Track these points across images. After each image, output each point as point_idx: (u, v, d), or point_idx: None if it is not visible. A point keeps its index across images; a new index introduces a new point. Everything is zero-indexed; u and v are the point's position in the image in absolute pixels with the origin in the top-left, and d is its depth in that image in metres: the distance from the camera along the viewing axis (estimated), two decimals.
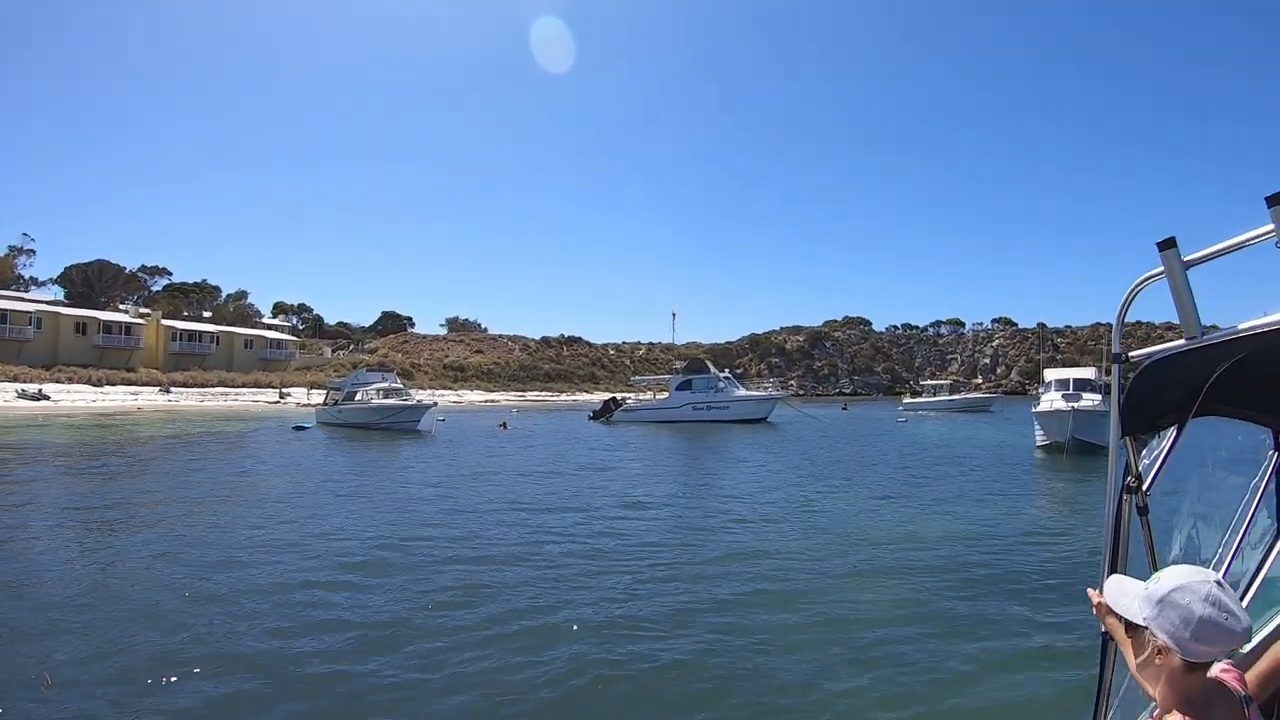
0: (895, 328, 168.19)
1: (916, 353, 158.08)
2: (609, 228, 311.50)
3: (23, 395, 59.47)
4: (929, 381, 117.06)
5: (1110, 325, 3.26)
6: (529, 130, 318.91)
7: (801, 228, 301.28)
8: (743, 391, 67.12)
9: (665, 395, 66.82)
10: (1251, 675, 3.74)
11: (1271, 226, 2.73)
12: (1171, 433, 3.88)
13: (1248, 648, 4.31)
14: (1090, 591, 2.83)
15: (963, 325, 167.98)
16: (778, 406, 67.40)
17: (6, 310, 79.75)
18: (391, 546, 14.96)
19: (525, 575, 12.88)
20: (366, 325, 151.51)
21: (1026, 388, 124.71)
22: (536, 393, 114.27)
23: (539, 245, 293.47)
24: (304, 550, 14.54)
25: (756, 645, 9.83)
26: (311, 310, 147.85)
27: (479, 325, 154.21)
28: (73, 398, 62.71)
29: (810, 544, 15.96)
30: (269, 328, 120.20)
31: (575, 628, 10.25)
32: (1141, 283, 3.27)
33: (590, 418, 64.78)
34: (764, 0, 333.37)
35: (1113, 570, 3.59)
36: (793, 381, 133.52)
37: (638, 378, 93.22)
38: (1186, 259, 3.05)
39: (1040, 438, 37.85)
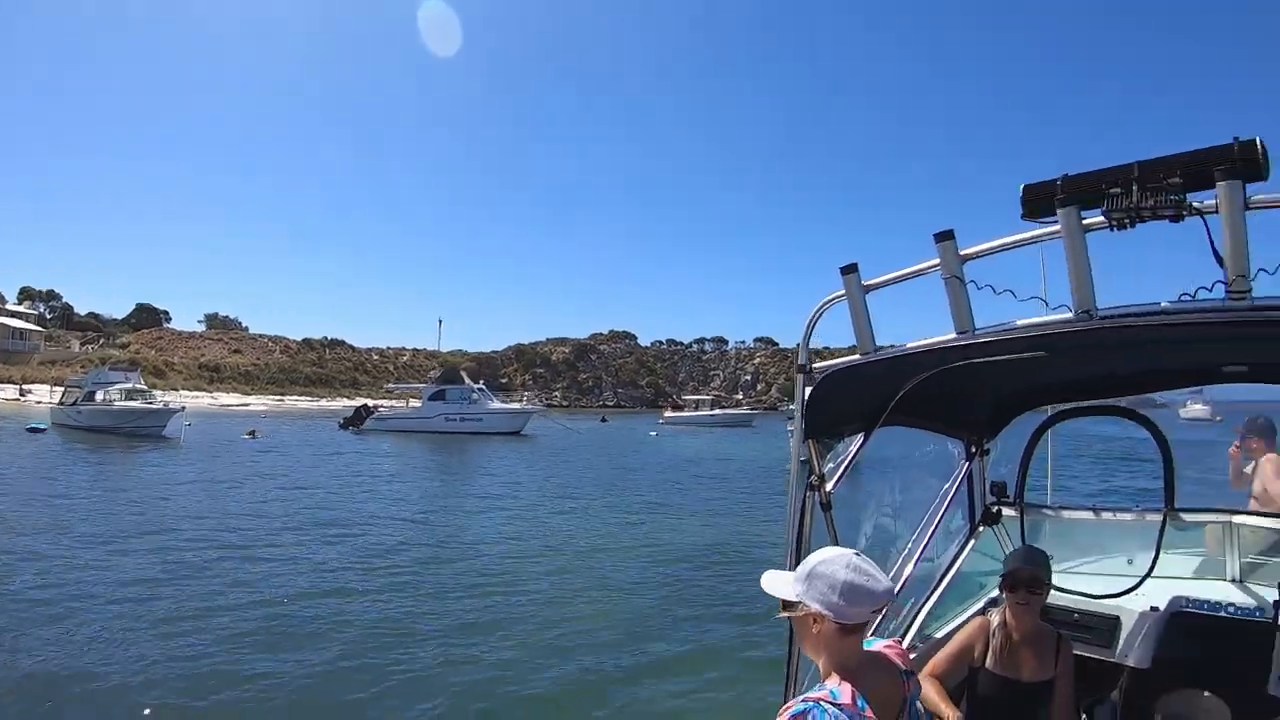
0: (660, 343, 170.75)
1: (680, 368, 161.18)
2: (377, 227, 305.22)
3: None
4: (690, 396, 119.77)
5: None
6: (296, 120, 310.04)
7: (574, 238, 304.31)
8: (497, 404, 67.83)
9: (419, 404, 66.89)
10: (941, 657, 4.46)
11: (938, 260, 3.14)
12: (858, 438, 4.35)
13: (942, 632, 5.16)
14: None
15: (726, 343, 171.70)
16: (534, 419, 68.30)
17: None
18: (97, 567, 14.56)
19: (241, 598, 12.82)
20: (120, 318, 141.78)
21: (784, 404, 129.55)
22: (296, 397, 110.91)
23: (304, 243, 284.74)
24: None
25: (483, 657, 10.54)
26: (60, 298, 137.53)
27: (239, 323, 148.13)
28: None
29: (538, 558, 16.92)
30: (12, 315, 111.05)
31: (295, 653, 10.39)
32: (827, 302, 3.56)
33: (341, 425, 64.08)
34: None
35: (798, 562, 3.61)
36: (557, 393, 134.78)
37: (391, 385, 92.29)
38: (865, 283, 3.43)
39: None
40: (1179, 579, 5.61)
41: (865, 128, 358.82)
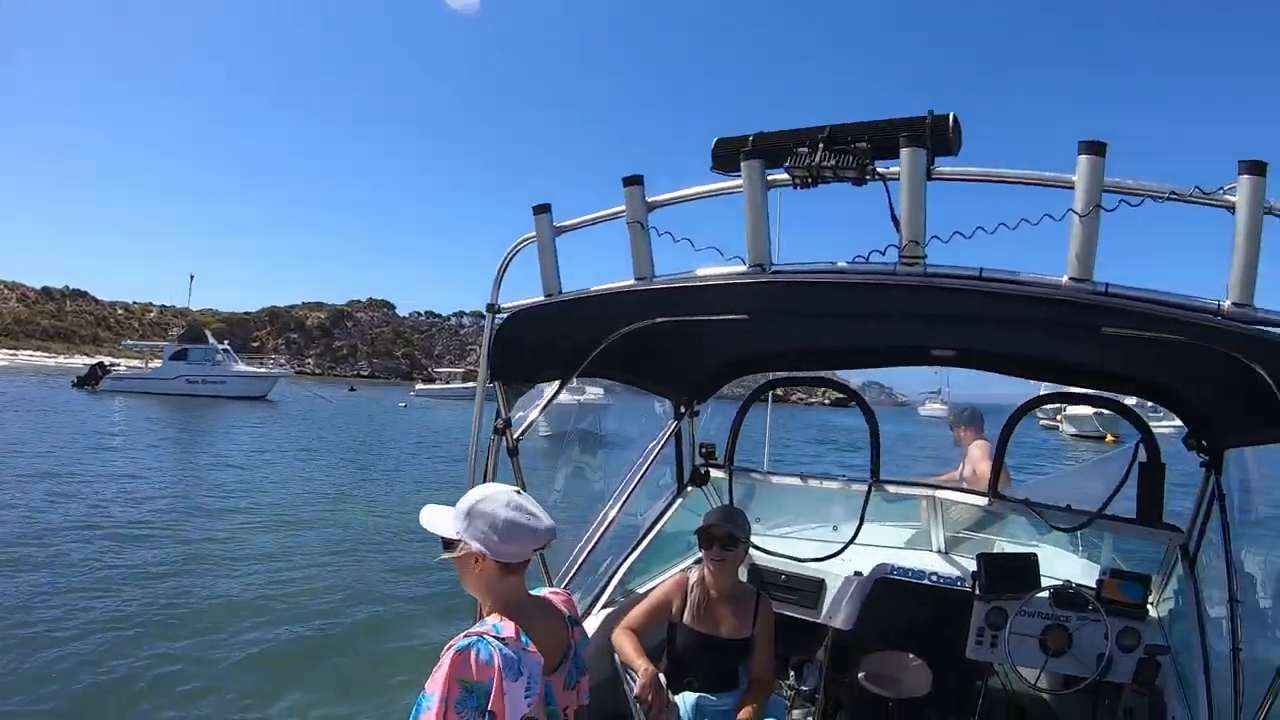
0: (419, 314, 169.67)
1: (438, 340, 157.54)
2: (127, 164, 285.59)
3: None
4: (444, 369, 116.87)
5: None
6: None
7: (334, 203, 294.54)
8: (241, 366, 65.99)
9: (159, 364, 63.76)
10: (639, 611, 4.47)
11: (624, 206, 3.14)
12: (553, 386, 4.45)
13: (645, 588, 5.24)
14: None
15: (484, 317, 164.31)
16: (280, 385, 66.85)
17: None
18: None
19: None
20: None
21: None
22: (31, 352, 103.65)
23: (44, 177, 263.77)
24: None
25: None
26: None
27: None
28: None
29: (258, 527, 16.51)
30: None
31: None
32: (521, 242, 3.52)
33: (75, 384, 60.43)
34: None
35: None
36: (310, 359, 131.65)
37: (130, 343, 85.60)
38: (556, 225, 3.40)
39: (544, 428, 37.28)
40: (891, 548, 5.90)
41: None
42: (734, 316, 3.91)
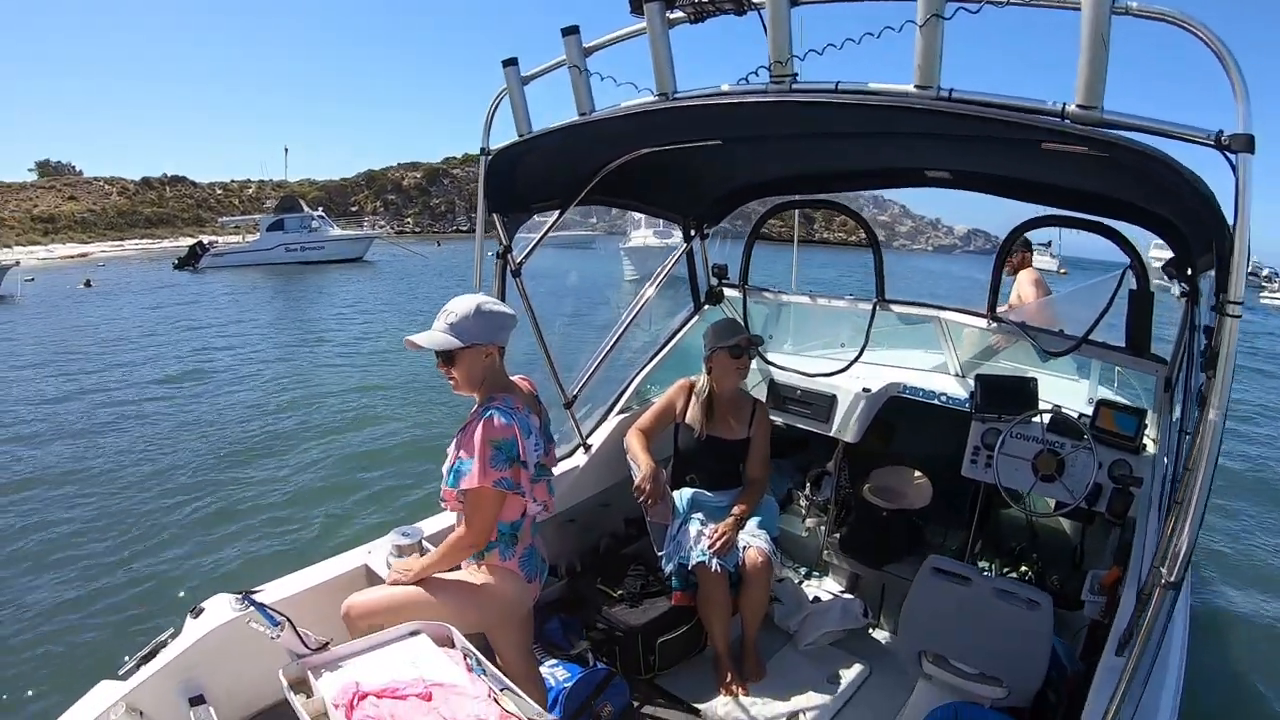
0: None
1: None
2: (213, 51, 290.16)
3: None
4: (541, 218, 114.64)
5: None
6: None
7: (426, 54, 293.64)
8: (337, 231, 66.35)
9: (256, 237, 64.28)
10: (648, 413, 5.04)
11: (563, 55, 3.43)
12: (553, 215, 4.77)
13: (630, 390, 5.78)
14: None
15: None
16: (375, 245, 67.48)
17: None
18: None
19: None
20: None
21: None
22: (136, 240, 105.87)
23: (139, 75, 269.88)
24: None
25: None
26: None
27: (73, 168, 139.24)
28: None
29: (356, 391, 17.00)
30: None
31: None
32: (499, 94, 3.82)
33: (176, 266, 60.70)
34: None
35: None
36: (409, 219, 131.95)
37: (226, 219, 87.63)
38: (524, 75, 3.73)
39: (629, 272, 38.61)
40: (912, 370, 6.24)
41: None
42: (705, 142, 4.12)
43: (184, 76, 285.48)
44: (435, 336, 3.35)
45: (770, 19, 2.74)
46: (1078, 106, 2.32)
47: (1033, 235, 6.45)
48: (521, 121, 3.80)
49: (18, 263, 49.08)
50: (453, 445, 3.46)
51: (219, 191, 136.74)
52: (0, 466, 12.10)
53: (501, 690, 2.69)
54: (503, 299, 4.31)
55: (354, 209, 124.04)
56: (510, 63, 3.72)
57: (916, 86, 2.54)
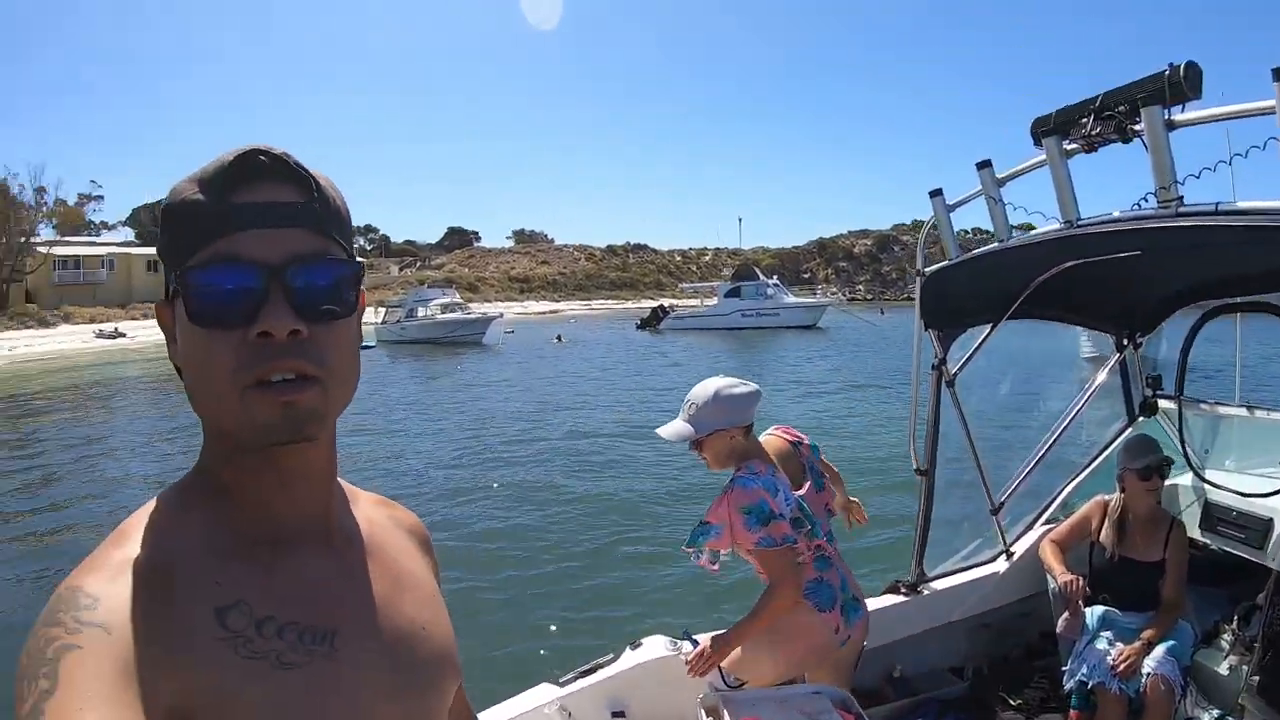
0: (965, 232, 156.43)
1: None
2: (673, 132, 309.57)
3: (100, 335, 60.69)
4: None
5: None
6: (584, 38, 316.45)
7: (873, 122, 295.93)
8: (791, 298, 66.82)
9: (714, 302, 66.49)
10: (1063, 527, 4.93)
11: (979, 186, 3.76)
12: (985, 329, 4.83)
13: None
14: None
15: None
16: (828, 312, 66.68)
17: (80, 255, 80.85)
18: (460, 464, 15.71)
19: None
20: (433, 242, 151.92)
21: None
22: (602, 301, 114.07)
23: (603, 153, 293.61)
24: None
25: None
26: (378, 230, 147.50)
27: (545, 236, 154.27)
28: (149, 334, 63.42)
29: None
30: None
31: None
32: (930, 220, 4.15)
33: (638, 326, 64.49)
34: None
35: (933, 443, 4.66)
36: (860, 286, 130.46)
37: (686, 285, 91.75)
38: (948, 203, 4.03)
39: (1087, 349, 35.52)
40: None
41: None
42: (1126, 254, 3.86)
43: (644, 155, 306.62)
44: (677, 428, 3.60)
45: (1150, 147, 2.92)
46: None
47: None
48: (951, 247, 4.12)
49: (502, 315, 53.92)
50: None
51: (678, 258, 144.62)
52: (501, 480, 14.17)
53: None
54: (937, 411, 4.60)
55: (806, 275, 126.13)
56: (936, 193, 4.05)
57: None
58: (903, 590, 4.75)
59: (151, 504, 1.01)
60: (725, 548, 3.50)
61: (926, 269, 4.29)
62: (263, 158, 0.94)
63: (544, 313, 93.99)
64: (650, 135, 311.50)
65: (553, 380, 28.80)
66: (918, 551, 4.80)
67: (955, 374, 4.71)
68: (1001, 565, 5.27)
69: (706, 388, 3.59)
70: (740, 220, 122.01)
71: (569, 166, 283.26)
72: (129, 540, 0.94)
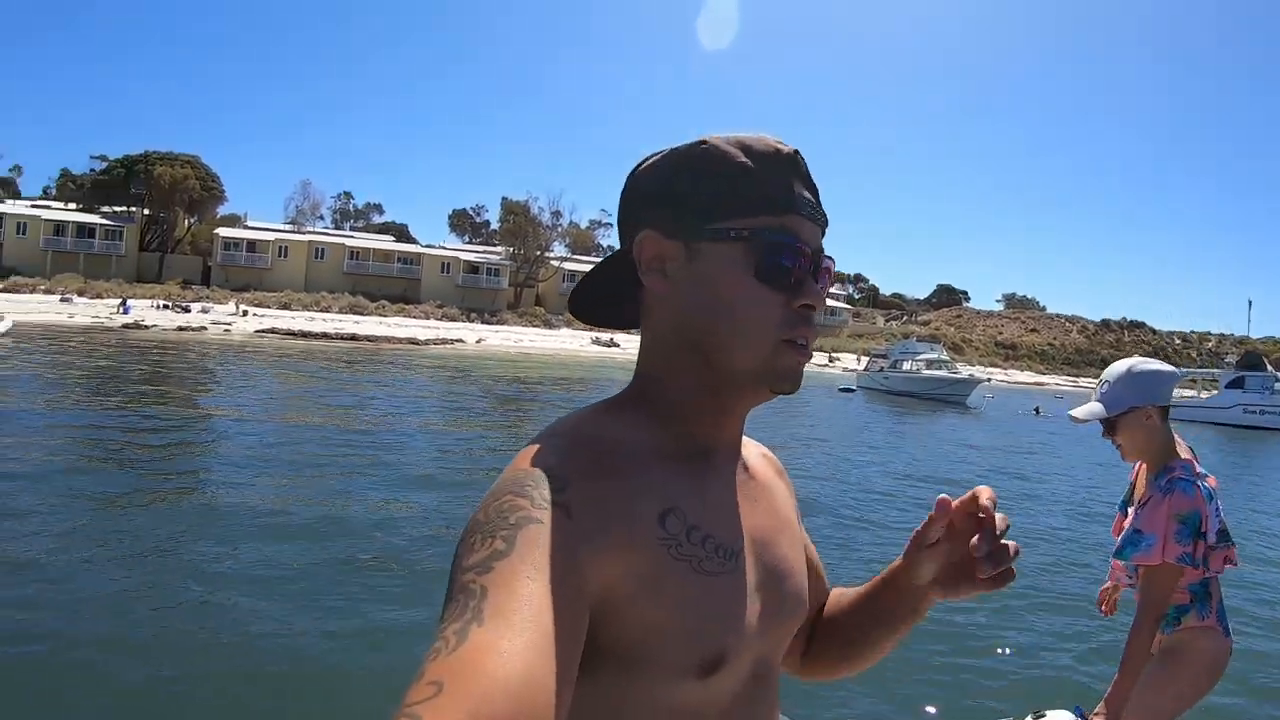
0: None
1: None
2: (1178, 200, 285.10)
3: (596, 342, 68.68)
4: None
5: None
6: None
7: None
8: None
9: (1215, 393, 60.61)
10: None
11: None
12: None
13: None
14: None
15: None
16: None
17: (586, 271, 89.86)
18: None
19: None
20: (921, 298, 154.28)
21: None
22: (1089, 380, 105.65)
23: (1098, 215, 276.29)
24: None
25: None
26: (867, 281, 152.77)
27: (1036, 303, 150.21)
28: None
29: None
30: (830, 296, 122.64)
31: None
32: None
33: None
34: None
35: None
36: None
37: (1184, 370, 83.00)
38: None
39: None
40: None
41: None
42: None
43: (1143, 226, 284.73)
44: (1089, 408, 3.36)
45: None
46: None
47: None
48: None
49: (988, 379, 52.92)
50: (1125, 514, 3.47)
51: (1177, 341, 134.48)
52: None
53: None
54: None
55: None
56: None
57: None
58: None
59: (596, 408, 1.14)
60: (1156, 562, 3.09)
61: None
62: (803, 161, 1.12)
63: (1026, 383, 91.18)
64: (1152, 204, 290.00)
65: (1029, 451, 27.36)
66: None
67: None
68: None
69: (1120, 365, 3.39)
70: (1250, 304, 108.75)
71: (1062, 230, 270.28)
72: (587, 435, 1.05)
